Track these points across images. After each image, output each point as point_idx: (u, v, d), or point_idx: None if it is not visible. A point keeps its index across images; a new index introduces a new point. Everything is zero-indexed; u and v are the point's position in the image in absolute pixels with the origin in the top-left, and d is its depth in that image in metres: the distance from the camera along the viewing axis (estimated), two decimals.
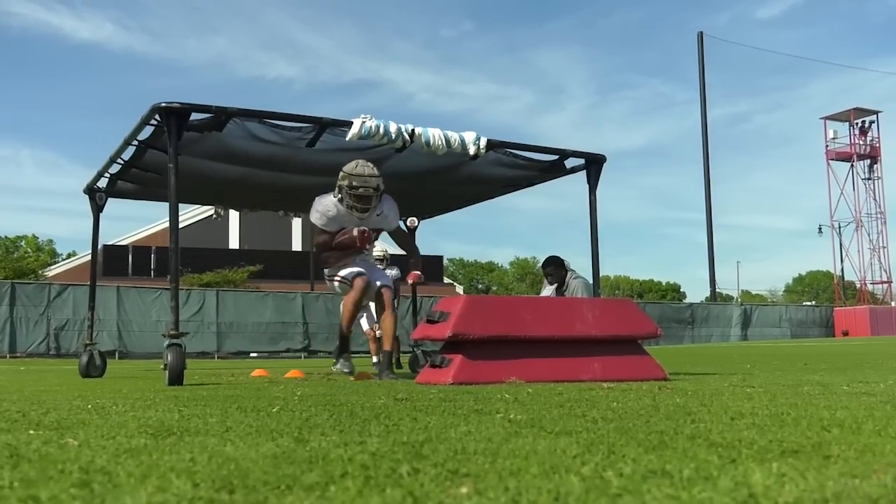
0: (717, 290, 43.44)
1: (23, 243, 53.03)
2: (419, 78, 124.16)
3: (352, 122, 5.25)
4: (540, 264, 8.18)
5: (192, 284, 25.68)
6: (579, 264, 7.35)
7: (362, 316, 10.38)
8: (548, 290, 7.54)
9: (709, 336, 32.04)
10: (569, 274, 7.40)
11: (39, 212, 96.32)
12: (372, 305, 10.31)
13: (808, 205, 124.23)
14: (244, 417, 2.33)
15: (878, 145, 50.68)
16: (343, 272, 5.65)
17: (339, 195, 5.44)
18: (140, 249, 34.69)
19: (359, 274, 5.60)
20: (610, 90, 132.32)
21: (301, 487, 1.18)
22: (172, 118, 4.72)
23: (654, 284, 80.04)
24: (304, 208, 8.55)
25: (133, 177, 6.40)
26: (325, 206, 5.52)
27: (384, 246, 11.00)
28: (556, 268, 7.39)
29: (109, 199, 6.89)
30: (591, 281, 6.76)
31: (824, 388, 3.36)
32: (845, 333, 36.18)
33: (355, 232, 5.46)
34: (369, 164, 5.40)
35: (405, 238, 6.17)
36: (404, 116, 6.96)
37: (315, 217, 5.56)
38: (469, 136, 5.65)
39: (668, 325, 29.60)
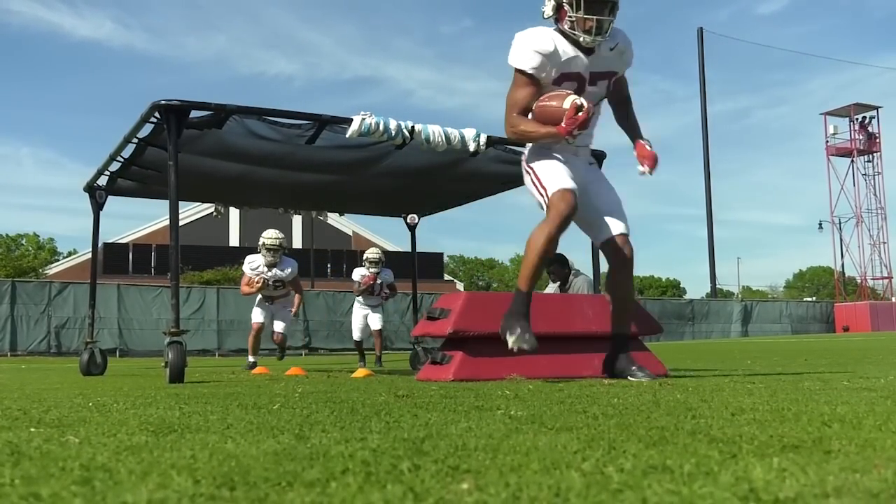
0: (718, 286, 43.41)
1: (23, 241, 53.07)
2: (419, 75, 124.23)
3: (351, 120, 5.25)
4: None
5: (193, 282, 25.70)
6: (580, 261, 7.35)
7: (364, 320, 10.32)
8: (551, 289, 7.56)
9: (709, 332, 32.02)
10: (572, 272, 7.42)
11: (40, 210, 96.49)
12: (360, 314, 10.26)
13: (808, 200, 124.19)
14: (245, 414, 2.33)
15: (878, 140, 50.64)
16: (553, 183, 3.80)
17: (552, 15, 3.79)
18: (140, 247, 34.77)
19: (570, 193, 3.78)
20: None
21: (302, 484, 1.18)
22: (172, 116, 4.72)
23: (655, 280, 79.98)
24: (303, 205, 8.59)
25: (133, 175, 6.41)
26: (541, 39, 3.76)
27: (379, 247, 10.89)
28: (559, 266, 7.40)
29: (109, 196, 6.89)
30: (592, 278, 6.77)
31: (825, 384, 3.35)
32: (846, 329, 36.17)
33: (568, 103, 3.64)
34: None
35: (625, 88, 4.30)
36: (404, 113, 6.96)
37: (524, 58, 3.76)
38: (469, 133, 5.65)
39: (668, 322, 29.52)
